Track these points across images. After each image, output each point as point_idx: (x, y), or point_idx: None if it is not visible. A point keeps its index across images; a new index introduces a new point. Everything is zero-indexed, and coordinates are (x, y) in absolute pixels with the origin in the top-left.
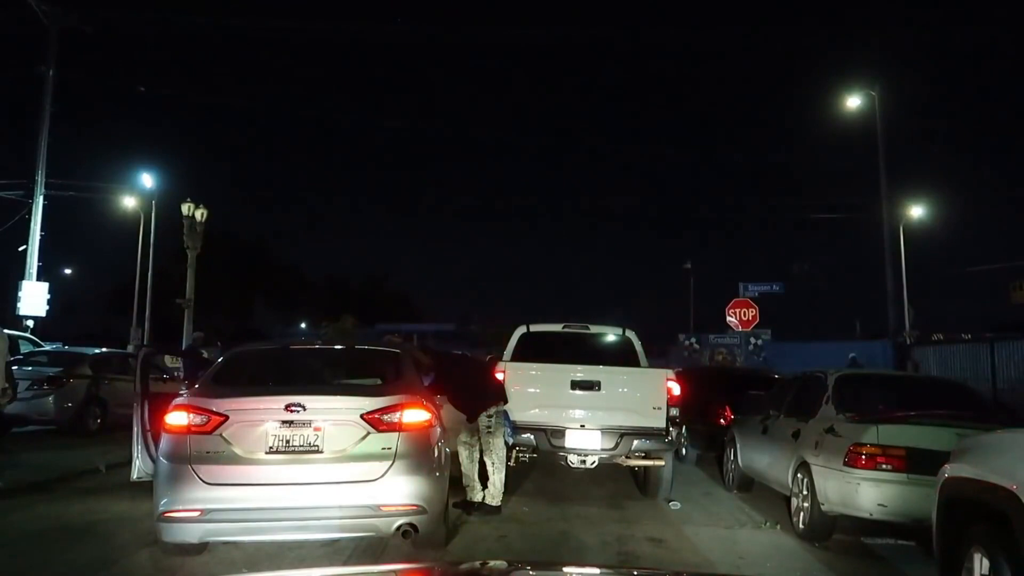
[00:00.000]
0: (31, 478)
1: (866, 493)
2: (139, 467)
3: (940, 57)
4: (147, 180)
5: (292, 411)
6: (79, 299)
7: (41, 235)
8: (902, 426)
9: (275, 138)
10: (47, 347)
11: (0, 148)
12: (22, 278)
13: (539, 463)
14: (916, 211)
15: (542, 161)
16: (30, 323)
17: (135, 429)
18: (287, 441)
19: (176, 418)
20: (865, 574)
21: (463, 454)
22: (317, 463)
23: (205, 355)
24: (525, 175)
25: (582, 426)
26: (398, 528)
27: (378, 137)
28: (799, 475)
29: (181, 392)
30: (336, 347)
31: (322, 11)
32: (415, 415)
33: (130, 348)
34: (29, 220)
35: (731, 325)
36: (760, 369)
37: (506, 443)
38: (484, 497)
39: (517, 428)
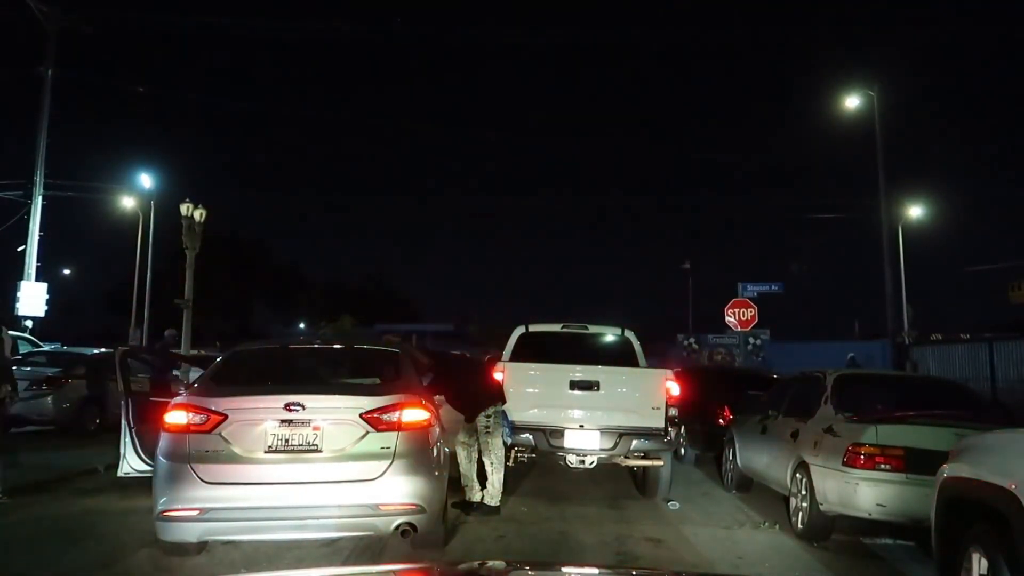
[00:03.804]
0: (30, 478)
1: (865, 493)
2: (126, 464)
3: (939, 57)
4: (146, 180)
5: (291, 410)
6: (78, 299)
7: (40, 235)
8: (901, 426)
9: (274, 138)
10: (46, 347)
11: None
12: (21, 278)
13: (538, 463)
14: (915, 211)
15: (542, 161)
16: (29, 323)
17: (123, 427)
18: (286, 440)
19: (175, 417)
20: (864, 574)
21: (461, 454)
22: (316, 462)
23: (176, 353)
24: (525, 175)
25: (581, 426)
26: (397, 527)
27: (377, 137)
28: (798, 475)
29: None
30: (335, 347)
31: (321, 11)
32: (414, 414)
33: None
34: (28, 220)
35: (730, 325)
36: (759, 369)
37: (505, 443)
38: (483, 497)
39: (516, 428)
